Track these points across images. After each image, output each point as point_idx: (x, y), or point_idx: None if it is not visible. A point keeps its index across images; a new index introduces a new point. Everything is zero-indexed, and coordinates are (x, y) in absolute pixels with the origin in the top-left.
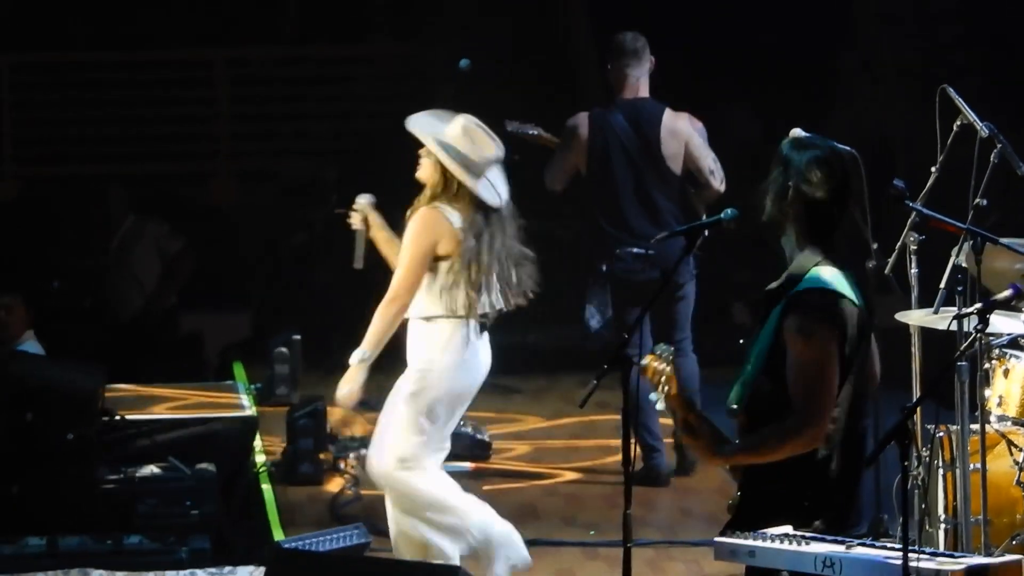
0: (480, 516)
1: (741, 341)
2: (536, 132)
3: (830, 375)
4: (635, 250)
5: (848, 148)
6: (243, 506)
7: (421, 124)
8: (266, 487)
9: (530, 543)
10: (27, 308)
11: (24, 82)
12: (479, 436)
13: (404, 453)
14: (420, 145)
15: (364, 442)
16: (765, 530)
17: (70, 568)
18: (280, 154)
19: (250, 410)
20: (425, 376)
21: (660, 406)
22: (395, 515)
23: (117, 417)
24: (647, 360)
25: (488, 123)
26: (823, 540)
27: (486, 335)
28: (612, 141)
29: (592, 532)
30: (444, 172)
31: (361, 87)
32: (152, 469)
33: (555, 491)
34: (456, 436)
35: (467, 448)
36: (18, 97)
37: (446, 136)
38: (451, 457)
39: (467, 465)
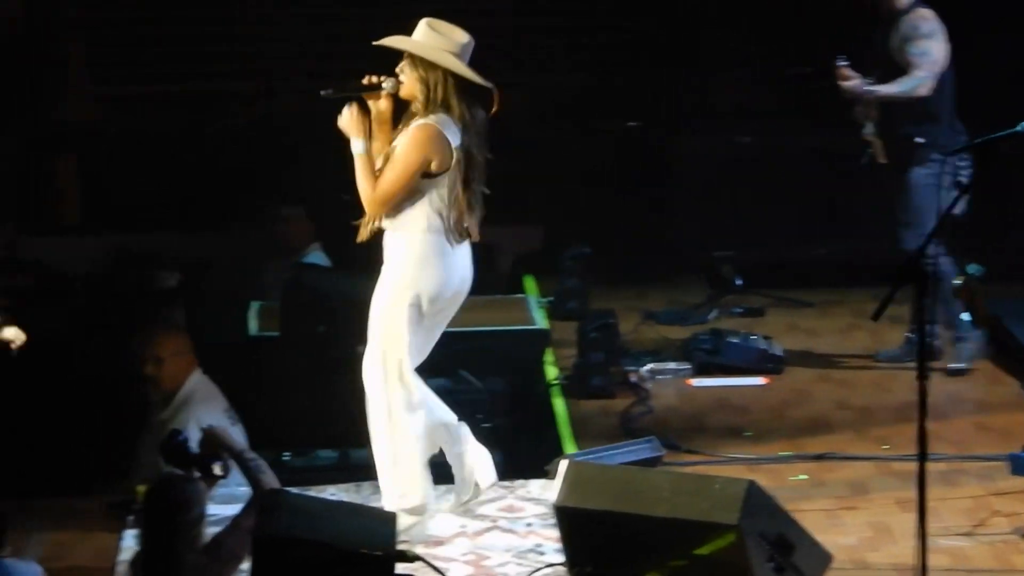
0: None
1: None
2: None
3: None
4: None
5: None
6: (535, 419)
7: (390, 40)
8: (558, 400)
9: (821, 457)
10: (311, 220)
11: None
12: (771, 350)
13: (389, 364)
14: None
15: (656, 355)
16: None
17: (361, 481)
18: (564, 66)
19: (541, 323)
20: (401, 287)
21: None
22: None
23: None
24: (959, 280)
25: None
26: None
27: (466, 245)
28: None
29: (885, 446)
30: (427, 80)
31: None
32: (443, 382)
33: (847, 405)
34: (748, 350)
35: (759, 362)
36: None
37: (416, 37)
38: (743, 371)
39: (760, 379)
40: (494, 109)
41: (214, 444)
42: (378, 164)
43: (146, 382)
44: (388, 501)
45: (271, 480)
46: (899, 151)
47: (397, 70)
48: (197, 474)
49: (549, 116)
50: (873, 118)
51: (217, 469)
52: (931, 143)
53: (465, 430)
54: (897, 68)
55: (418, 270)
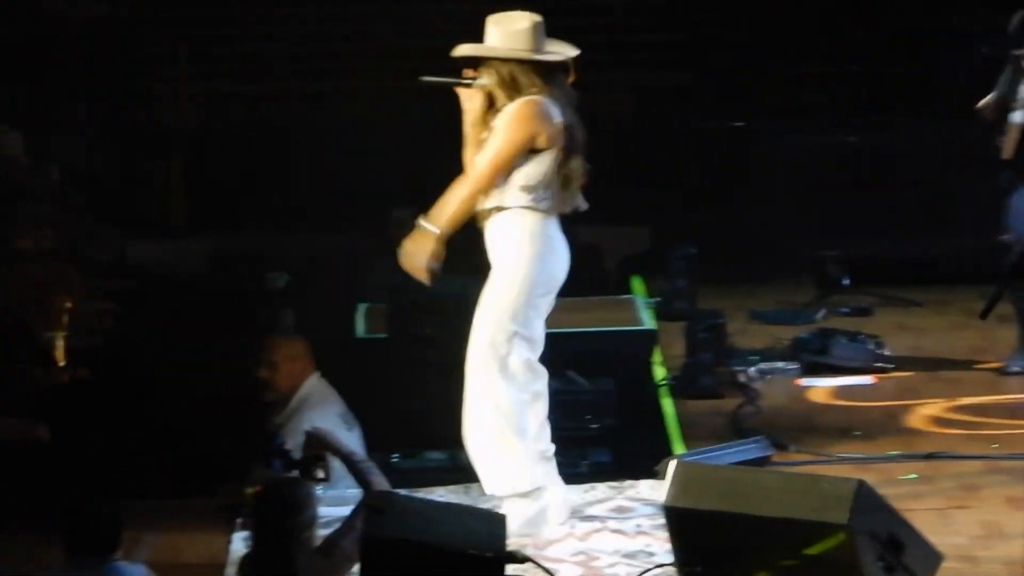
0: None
1: None
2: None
3: None
4: None
5: None
6: (643, 420)
7: (458, 50)
8: (666, 401)
9: (930, 456)
10: None
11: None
12: (880, 349)
13: (499, 349)
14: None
15: (765, 355)
16: None
17: (471, 482)
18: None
19: (649, 324)
20: (514, 270)
21: None
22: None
23: None
24: None
25: None
26: None
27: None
28: None
29: (995, 445)
30: (503, 74)
31: None
32: (551, 383)
33: (956, 403)
34: (857, 349)
35: (868, 361)
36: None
37: (487, 39)
38: (851, 370)
39: (869, 379)
40: (571, 79)
41: (317, 447)
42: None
43: (261, 385)
44: (497, 487)
45: (381, 482)
46: None
47: (476, 73)
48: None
49: (656, 115)
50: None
51: (319, 473)
52: None
53: (553, 464)
54: None
55: (529, 250)
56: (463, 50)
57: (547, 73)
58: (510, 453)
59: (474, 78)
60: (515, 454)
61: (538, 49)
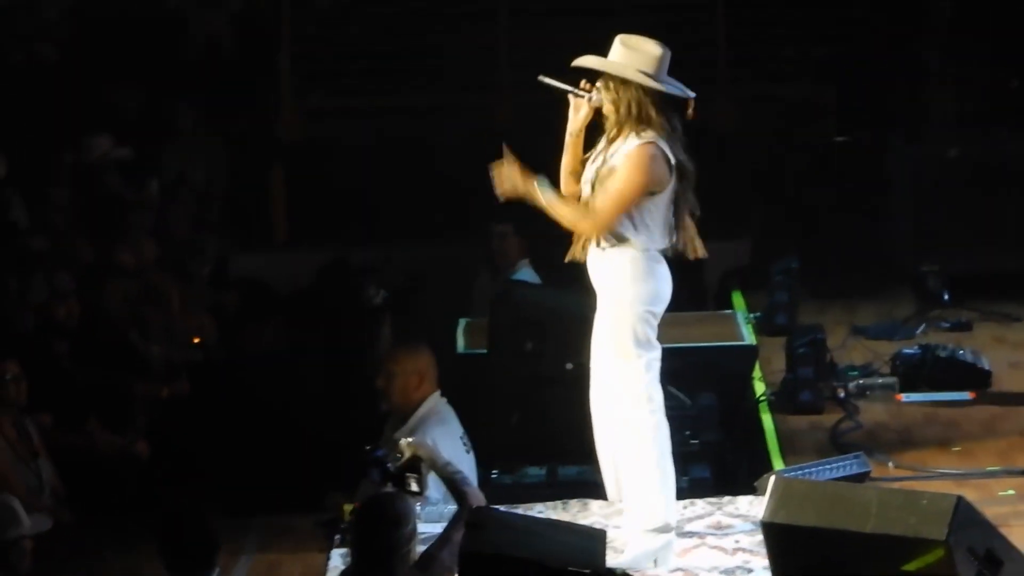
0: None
1: None
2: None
3: None
4: None
5: None
6: (743, 435)
7: (582, 60)
8: (766, 416)
9: None
10: (522, 236)
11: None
12: (979, 364)
13: (639, 391)
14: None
15: (864, 370)
16: None
17: (569, 499)
18: (779, 77)
19: (750, 339)
20: (627, 305)
21: None
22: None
23: None
24: None
25: None
26: None
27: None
28: None
29: None
30: (620, 98)
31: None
32: None
33: None
34: (956, 364)
35: (967, 376)
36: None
37: (611, 56)
38: (951, 385)
39: (968, 394)
40: (690, 115)
41: (415, 459)
42: (563, 182)
43: (377, 395)
44: (636, 522)
45: (476, 495)
46: None
47: (597, 86)
48: (394, 489)
49: (758, 128)
50: None
51: (413, 485)
52: None
53: None
54: None
55: (642, 286)
56: (589, 61)
57: (665, 106)
58: (660, 486)
59: (589, 91)
60: (666, 487)
61: (662, 80)
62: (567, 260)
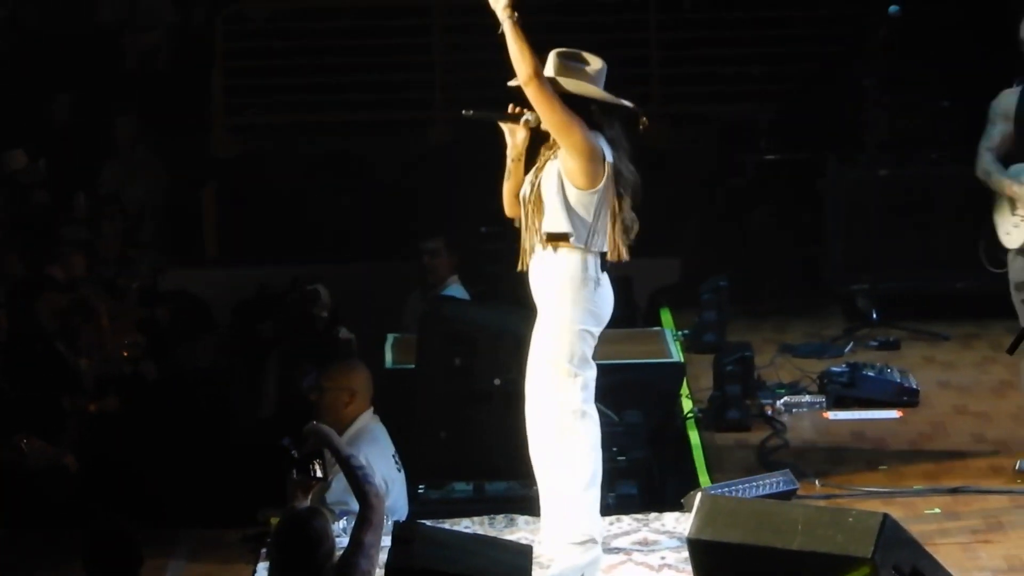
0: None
1: None
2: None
3: None
4: None
5: None
6: (670, 452)
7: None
8: (693, 433)
9: (956, 490)
10: (451, 252)
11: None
12: (907, 383)
13: (575, 408)
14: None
15: (792, 388)
16: None
17: (496, 514)
18: (714, 97)
19: (678, 356)
20: (567, 314)
21: None
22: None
23: None
24: None
25: None
26: None
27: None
28: None
29: (1021, 481)
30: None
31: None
32: None
33: (983, 438)
34: (884, 383)
35: (895, 395)
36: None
37: (548, 71)
38: (879, 404)
39: (895, 413)
40: (643, 125)
41: (317, 444)
42: (507, 206)
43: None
44: (563, 536)
45: (377, 492)
46: None
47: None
48: (298, 475)
49: (692, 147)
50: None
51: (318, 470)
52: None
53: None
54: None
55: (582, 306)
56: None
57: (607, 118)
58: (579, 500)
59: (521, 113)
60: (595, 503)
61: (603, 93)
62: (519, 270)
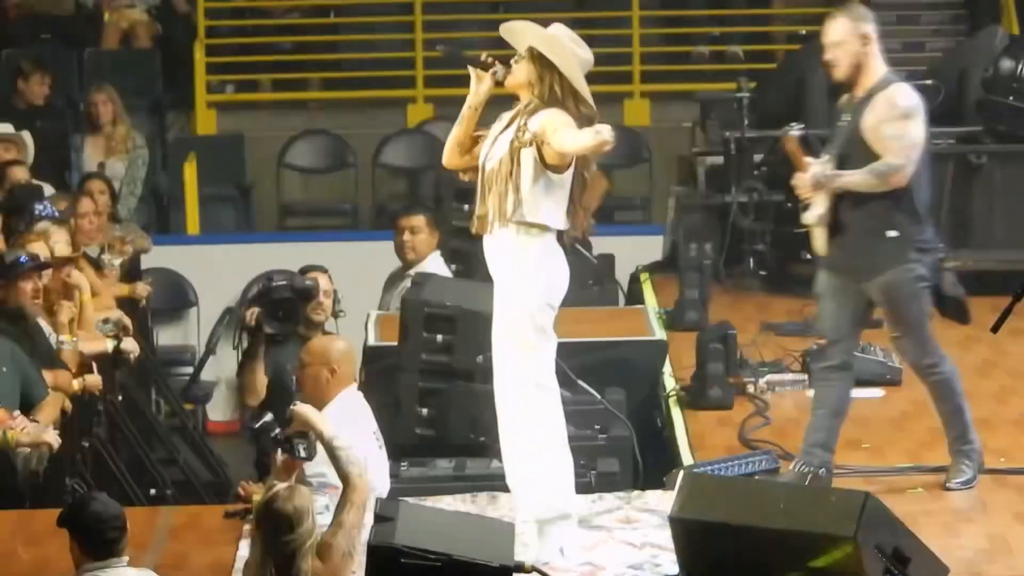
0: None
1: None
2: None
3: None
4: None
5: None
6: (653, 430)
7: (522, 24)
8: (675, 411)
9: (939, 469)
10: (433, 229)
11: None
12: (890, 362)
13: (539, 380)
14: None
15: (775, 367)
16: None
17: (478, 492)
18: (694, 76)
19: (660, 334)
20: (531, 289)
21: None
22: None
23: None
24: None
25: None
26: None
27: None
28: None
29: (1003, 459)
30: (544, 76)
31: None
32: (563, 393)
33: None
34: (866, 362)
35: (877, 374)
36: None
37: (550, 33)
38: (861, 383)
39: (878, 391)
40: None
41: (301, 425)
42: (447, 153)
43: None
44: (537, 510)
45: (359, 472)
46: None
47: (512, 60)
48: (282, 455)
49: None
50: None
51: (301, 451)
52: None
53: None
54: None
55: (540, 277)
56: (526, 27)
57: (576, 100)
58: (552, 473)
59: (492, 64)
60: (565, 476)
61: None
62: (474, 233)
